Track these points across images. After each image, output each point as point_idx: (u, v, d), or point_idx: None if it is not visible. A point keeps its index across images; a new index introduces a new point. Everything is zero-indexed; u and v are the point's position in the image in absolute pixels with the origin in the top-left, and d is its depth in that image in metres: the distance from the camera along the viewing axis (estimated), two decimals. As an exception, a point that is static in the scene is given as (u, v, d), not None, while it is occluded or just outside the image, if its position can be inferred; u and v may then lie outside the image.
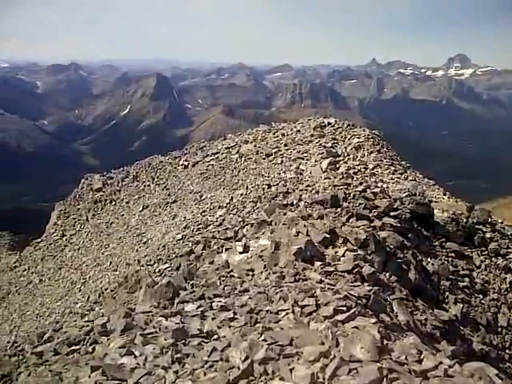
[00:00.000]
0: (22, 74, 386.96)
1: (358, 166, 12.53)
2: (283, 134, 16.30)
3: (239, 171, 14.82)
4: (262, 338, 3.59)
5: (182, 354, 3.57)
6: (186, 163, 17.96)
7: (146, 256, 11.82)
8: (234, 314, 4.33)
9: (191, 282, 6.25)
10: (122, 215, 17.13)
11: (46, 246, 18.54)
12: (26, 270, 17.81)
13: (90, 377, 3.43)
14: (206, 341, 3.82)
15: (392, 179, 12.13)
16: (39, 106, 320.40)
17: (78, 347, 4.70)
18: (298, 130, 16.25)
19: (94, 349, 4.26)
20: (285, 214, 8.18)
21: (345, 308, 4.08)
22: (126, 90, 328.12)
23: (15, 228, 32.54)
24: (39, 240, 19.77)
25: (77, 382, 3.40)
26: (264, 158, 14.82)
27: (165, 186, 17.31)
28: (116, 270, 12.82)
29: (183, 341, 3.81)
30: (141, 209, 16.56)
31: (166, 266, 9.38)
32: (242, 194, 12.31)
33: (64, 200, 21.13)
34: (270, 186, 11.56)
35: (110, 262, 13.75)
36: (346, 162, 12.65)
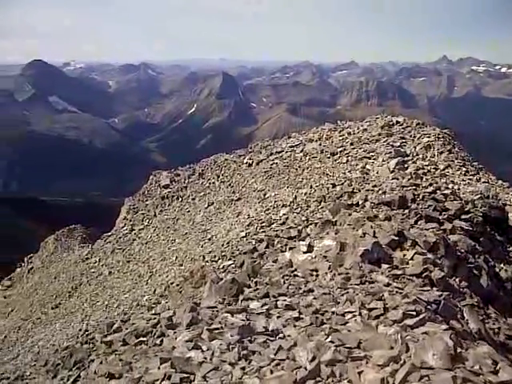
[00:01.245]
0: (96, 74, 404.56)
1: (427, 166, 12.12)
2: (349, 133, 16.05)
3: (303, 170, 14.75)
4: (329, 339, 3.54)
5: (249, 350, 3.59)
6: (250, 161, 18.09)
7: (210, 252, 12.02)
8: (299, 313, 4.31)
9: (255, 280, 6.27)
10: (188, 211, 17.53)
11: (116, 239, 19.30)
12: (96, 261, 18.62)
13: (159, 368, 3.52)
14: (272, 339, 3.82)
15: (463, 181, 11.64)
16: (110, 105, 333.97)
17: (145, 339, 4.85)
18: (365, 129, 15.94)
19: (161, 341, 4.38)
20: (350, 215, 8.04)
21: (414, 313, 3.95)
22: (193, 89, 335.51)
23: (87, 222, 34.08)
24: (109, 234, 20.62)
25: (146, 373, 3.50)
26: (329, 157, 14.66)
27: (229, 184, 17.53)
28: (181, 265, 13.13)
29: (249, 338, 3.83)
30: (206, 206, 16.88)
31: (230, 262, 9.48)
32: (305, 193, 12.24)
33: (133, 196, 21.91)
34: (334, 186, 11.41)
35: (176, 257, 14.11)
36: (414, 162, 12.27)
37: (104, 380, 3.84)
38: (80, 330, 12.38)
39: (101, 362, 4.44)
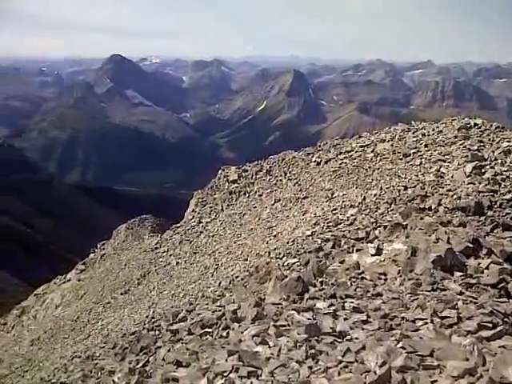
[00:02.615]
0: (171, 69, 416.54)
1: (506, 172, 11.48)
2: (423, 134, 15.51)
3: (374, 171, 14.44)
4: (400, 345, 3.46)
5: (316, 350, 3.58)
6: (318, 160, 17.94)
7: (275, 249, 12.04)
8: (367, 316, 4.23)
9: (320, 280, 6.22)
10: (255, 207, 17.66)
11: (184, 231, 19.79)
12: (165, 251, 19.19)
13: (227, 360, 3.57)
14: (339, 340, 3.78)
15: (546, 189, 10.93)
16: (183, 100, 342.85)
17: (210, 330, 4.93)
18: (440, 131, 15.34)
19: (227, 334, 4.44)
20: (422, 219, 7.79)
21: (490, 324, 3.77)
22: (263, 85, 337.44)
23: (157, 212, 35.16)
24: (178, 225, 21.17)
25: (214, 364, 3.57)
26: (401, 159, 14.25)
27: (296, 182, 17.47)
28: (246, 260, 13.26)
29: (316, 337, 3.82)
30: (272, 202, 16.92)
31: (295, 260, 9.44)
32: (375, 195, 11.97)
33: (202, 189, 22.36)
34: (406, 188, 11.08)
35: (241, 252, 14.26)
36: (492, 167, 11.66)
37: (172, 367, 3.95)
38: (147, 316, 12.79)
39: (168, 350, 4.57)
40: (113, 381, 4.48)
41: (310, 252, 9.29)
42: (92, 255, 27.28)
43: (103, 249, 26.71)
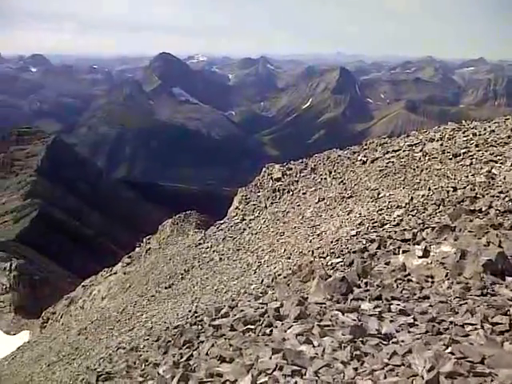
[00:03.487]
0: (217, 67, 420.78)
1: (561, 173, 10.99)
2: (474, 134, 15.03)
3: (422, 171, 14.10)
4: (449, 350, 3.36)
5: (361, 351, 3.53)
6: (364, 159, 17.68)
7: (318, 248, 11.97)
8: (414, 319, 4.14)
9: (365, 281, 6.14)
10: (298, 205, 17.59)
11: (228, 227, 19.94)
12: (208, 247, 19.40)
13: (270, 358, 3.58)
14: (385, 342, 3.71)
15: None
16: (229, 98, 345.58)
17: (253, 327, 4.94)
18: (493, 130, 14.82)
19: (271, 331, 4.44)
20: (471, 221, 7.55)
21: (545, 334, 3.61)
22: (309, 83, 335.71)
23: (201, 208, 35.58)
24: (222, 222, 21.34)
25: (258, 361, 3.58)
26: (450, 159, 13.86)
27: (341, 181, 17.28)
28: (289, 258, 13.23)
29: (361, 339, 3.77)
30: (316, 201, 16.81)
31: (339, 260, 9.35)
32: (423, 195, 11.69)
33: (246, 186, 22.46)
34: (455, 189, 10.77)
35: (284, 250, 14.24)
36: (548, 169, 11.19)
37: (215, 362, 3.99)
38: (190, 311, 12.97)
39: (212, 345, 4.62)
40: (157, 373, 4.56)
41: (354, 252, 9.18)
42: (138, 249, 27.91)
43: (149, 243, 27.27)
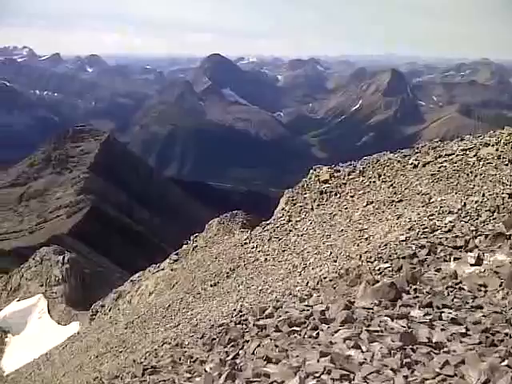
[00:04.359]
0: (267, 68, 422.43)
1: None
2: (533, 139, 14.42)
3: (475, 176, 13.65)
4: (505, 363, 3.22)
5: (411, 359, 3.44)
6: (415, 162, 17.26)
7: (366, 252, 11.78)
8: (466, 329, 3.99)
9: (414, 287, 5.99)
10: (346, 208, 17.38)
11: (273, 228, 19.94)
12: (254, 247, 19.47)
13: (318, 361, 3.54)
14: (436, 351, 3.60)
15: None
16: (277, 99, 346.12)
17: (298, 329, 4.90)
18: (552, 136, 14.18)
19: (317, 334, 4.41)
20: (528, 229, 7.25)
21: None
22: (359, 85, 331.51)
23: (247, 208, 35.78)
24: (267, 222, 21.37)
25: (305, 363, 3.56)
26: (506, 164, 13.36)
27: (391, 184, 16.95)
28: (335, 261, 13.08)
29: (411, 346, 3.67)
30: (365, 204, 16.55)
31: (387, 265, 9.17)
32: (476, 201, 11.31)
33: (292, 188, 22.39)
34: (510, 196, 10.37)
35: (331, 253, 14.10)
36: None
37: (262, 362, 3.98)
38: (234, 309, 13.05)
39: (258, 345, 4.62)
40: (204, 370, 4.60)
41: (403, 258, 8.98)
42: (185, 246, 28.32)
43: (195, 241, 27.64)
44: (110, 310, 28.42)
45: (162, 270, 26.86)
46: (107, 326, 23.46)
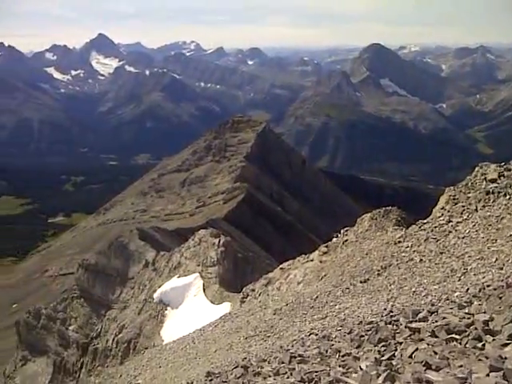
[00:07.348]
0: (430, 57, 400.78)
1: None
2: None
3: None
4: None
5: None
6: None
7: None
8: None
9: None
10: (517, 211, 15.77)
11: (431, 228, 18.86)
12: (408, 246, 18.64)
13: (488, 375, 3.28)
14: None
15: None
16: (440, 90, 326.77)
17: (458, 337, 4.59)
18: None
19: (483, 345, 4.07)
20: None
21: None
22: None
23: (402, 205, 34.42)
24: (425, 221, 20.28)
25: (471, 375, 3.31)
26: None
27: None
28: (501, 269, 11.96)
29: None
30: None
31: None
32: None
33: (454, 186, 20.93)
34: None
35: (496, 259, 12.94)
36: None
37: (421, 367, 3.81)
38: (385, 309, 12.64)
39: (416, 349, 4.42)
40: (360, 367, 4.52)
41: None
42: (335, 239, 28.21)
43: (346, 235, 27.37)
44: (259, 295, 29.53)
45: (311, 260, 27.11)
46: (257, 310, 24.40)
